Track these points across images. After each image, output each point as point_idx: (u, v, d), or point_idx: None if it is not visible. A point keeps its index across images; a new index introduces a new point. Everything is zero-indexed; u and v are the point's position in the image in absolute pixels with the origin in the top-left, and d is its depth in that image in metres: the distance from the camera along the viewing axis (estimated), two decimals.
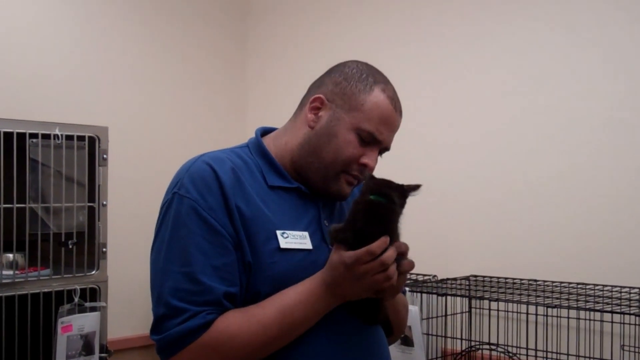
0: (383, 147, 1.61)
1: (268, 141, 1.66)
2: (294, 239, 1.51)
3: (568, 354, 2.77)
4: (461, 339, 3.08)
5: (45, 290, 2.88)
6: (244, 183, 1.52)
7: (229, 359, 1.43)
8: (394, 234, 1.45)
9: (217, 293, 1.42)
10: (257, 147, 1.63)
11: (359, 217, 1.45)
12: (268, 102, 4.26)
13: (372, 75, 1.60)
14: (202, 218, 1.45)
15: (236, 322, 1.43)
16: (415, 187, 1.49)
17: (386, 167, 1.62)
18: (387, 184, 1.49)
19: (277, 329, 1.44)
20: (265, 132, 1.71)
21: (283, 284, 1.47)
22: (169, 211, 1.49)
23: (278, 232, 1.50)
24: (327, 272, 1.46)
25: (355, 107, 1.56)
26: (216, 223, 1.45)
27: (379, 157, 1.62)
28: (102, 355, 2.98)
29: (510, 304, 2.92)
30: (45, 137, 2.88)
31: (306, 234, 1.54)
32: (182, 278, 1.43)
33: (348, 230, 1.44)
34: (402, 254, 1.47)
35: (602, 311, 2.58)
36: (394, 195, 1.46)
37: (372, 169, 1.58)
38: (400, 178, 1.54)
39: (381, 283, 1.43)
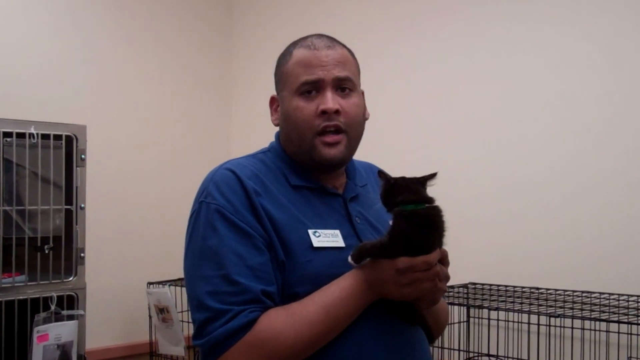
0: (334, 82, 1.59)
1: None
2: (326, 238, 1.56)
3: None
4: (459, 350, 3.05)
5: (21, 297, 2.85)
6: (269, 186, 1.57)
7: (275, 357, 1.45)
8: (441, 242, 1.48)
9: (255, 292, 1.45)
10: (277, 150, 1.68)
11: (408, 230, 1.44)
12: (254, 100, 4.22)
13: (294, 43, 1.65)
14: (231, 222, 1.50)
15: (280, 319, 1.45)
16: (431, 177, 1.51)
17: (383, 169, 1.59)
18: (413, 188, 1.48)
19: (322, 325, 1.46)
20: None
21: (319, 283, 1.50)
22: (198, 220, 1.54)
23: (310, 231, 1.55)
24: (371, 271, 1.49)
25: (286, 80, 1.63)
26: (245, 226, 1.50)
27: (348, 96, 1.61)
28: None
29: (510, 313, 2.89)
30: (20, 136, 2.86)
31: (337, 232, 1.58)
32: (219, 281, 1.46)
33: (397, 247, 1.44)
34: (440, 260, 1.49)
35: (608, 321, 2.56)
36: (433, 198, 1.48)
37: (334, 109, 1.58)
38: None
39: (427, 292, 1.47)
